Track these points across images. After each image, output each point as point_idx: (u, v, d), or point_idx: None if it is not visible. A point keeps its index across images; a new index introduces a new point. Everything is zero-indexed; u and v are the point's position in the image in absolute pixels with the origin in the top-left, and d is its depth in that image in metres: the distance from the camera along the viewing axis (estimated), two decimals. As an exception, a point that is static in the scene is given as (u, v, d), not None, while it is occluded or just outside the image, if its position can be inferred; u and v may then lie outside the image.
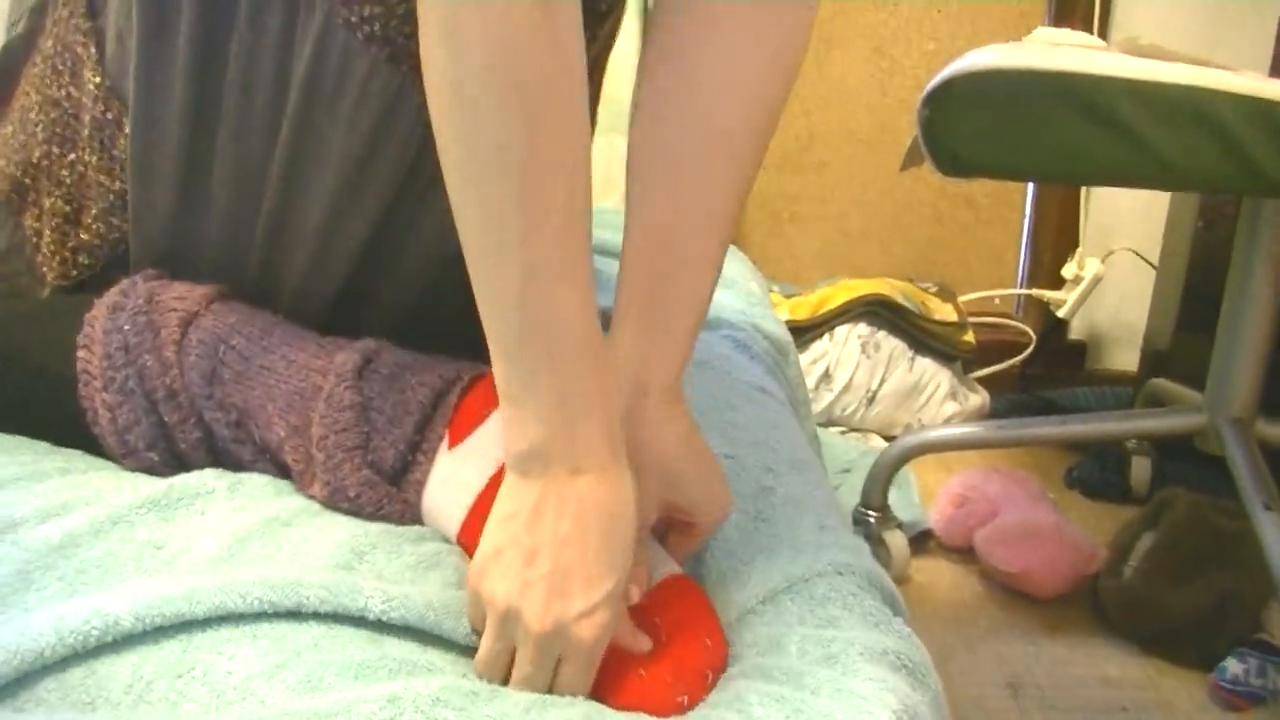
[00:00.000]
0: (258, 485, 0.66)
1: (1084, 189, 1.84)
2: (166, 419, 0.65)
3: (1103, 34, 1.78)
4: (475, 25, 0.46)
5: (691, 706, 0.54)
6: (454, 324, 0.62)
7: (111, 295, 0.67)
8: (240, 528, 0.61)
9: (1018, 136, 0.86)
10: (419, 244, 0.68)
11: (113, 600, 0.53)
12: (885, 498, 1.31)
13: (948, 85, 0.88)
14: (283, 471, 0.66)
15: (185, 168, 0.69)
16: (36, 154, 0.73)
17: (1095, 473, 1.59)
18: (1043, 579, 1.27)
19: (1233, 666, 1.13)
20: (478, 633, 0.55)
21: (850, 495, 1.37)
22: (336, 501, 0.64)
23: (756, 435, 0.80)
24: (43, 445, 0.69)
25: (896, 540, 1.31)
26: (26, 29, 0.74)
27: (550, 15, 0.47)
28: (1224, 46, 1.73)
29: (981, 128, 0.86)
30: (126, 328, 0.65)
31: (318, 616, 0.55)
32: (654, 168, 0.60)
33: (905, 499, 1.49)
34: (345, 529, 0.61)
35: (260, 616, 0.54)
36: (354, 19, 0.61)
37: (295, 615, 0.55)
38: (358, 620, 0.55)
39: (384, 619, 0.54)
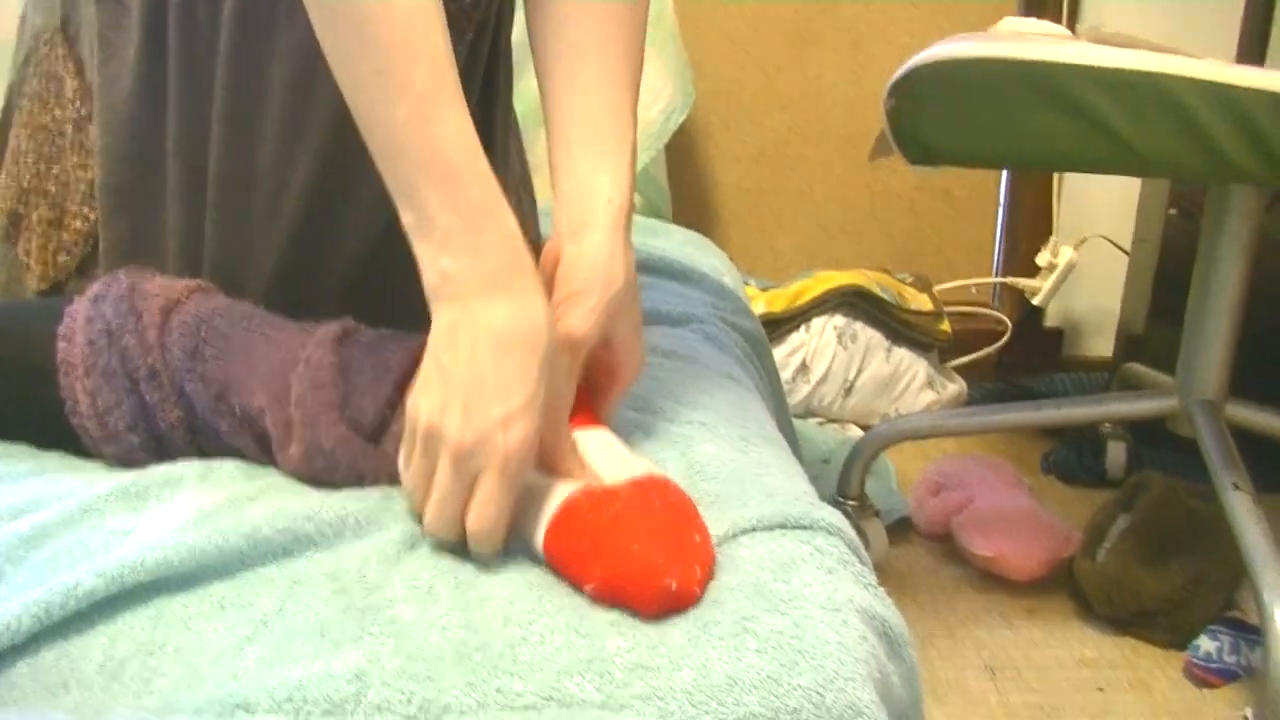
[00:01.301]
0: (228, 471, 0.67)
1: (1056, 177, 1.85)
2: (148, 398, 0.66)
3: (1071, 26, 1.79)
4: None
5: (681, 596, 0.53)
6: (396, 304, 0.64)
7: (93, 288, 0.69)
8: (207, 504, 0.62)
9: (984, 125, 0.87)
10: (364, 192, 0.68)
11: (77, 574, 0.54)
12: (862, 486, 1.32)
13: (912, 75, 0.89)
14: (261, 442, 0.67)
15: (140, 147, 0.71)
16: (27, 178, 0.75)
17: (1071, 457, 1.60)
18: (1019, 563, 1.28)
19: (1206, 644, 1.15)
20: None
21: (829, 486, 1.38)
22: (312, 459, 0.64)
23: (727, 414, 0.81)
24: (18, 449, 0.70)
25: (874, 528, 1.32)
26: (17, 80, 0.77)
27: None
28: (1191, 35, 1.75)
29: (947, 117, 0.87)
30: (109, 313, 0.66)
31: (279, 560, 0.57)
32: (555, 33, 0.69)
33: (883, 487, 1.50)
34: (314, 498, 0.62)
35: (224, 580, 0.56)
36: None
37: (258, 568, 0.57)
38: (317, 560, 0.57)
39: (337, 516, 0.58)
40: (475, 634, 0.53)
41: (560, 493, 0.59)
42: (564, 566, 0.57)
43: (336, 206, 0.69)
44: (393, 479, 0.63)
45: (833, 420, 1.75)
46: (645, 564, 0.54)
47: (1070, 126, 0.84)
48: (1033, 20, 1.11)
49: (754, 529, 0.62)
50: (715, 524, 0.61)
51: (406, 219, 0.58)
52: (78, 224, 0.75)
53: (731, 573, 0.58)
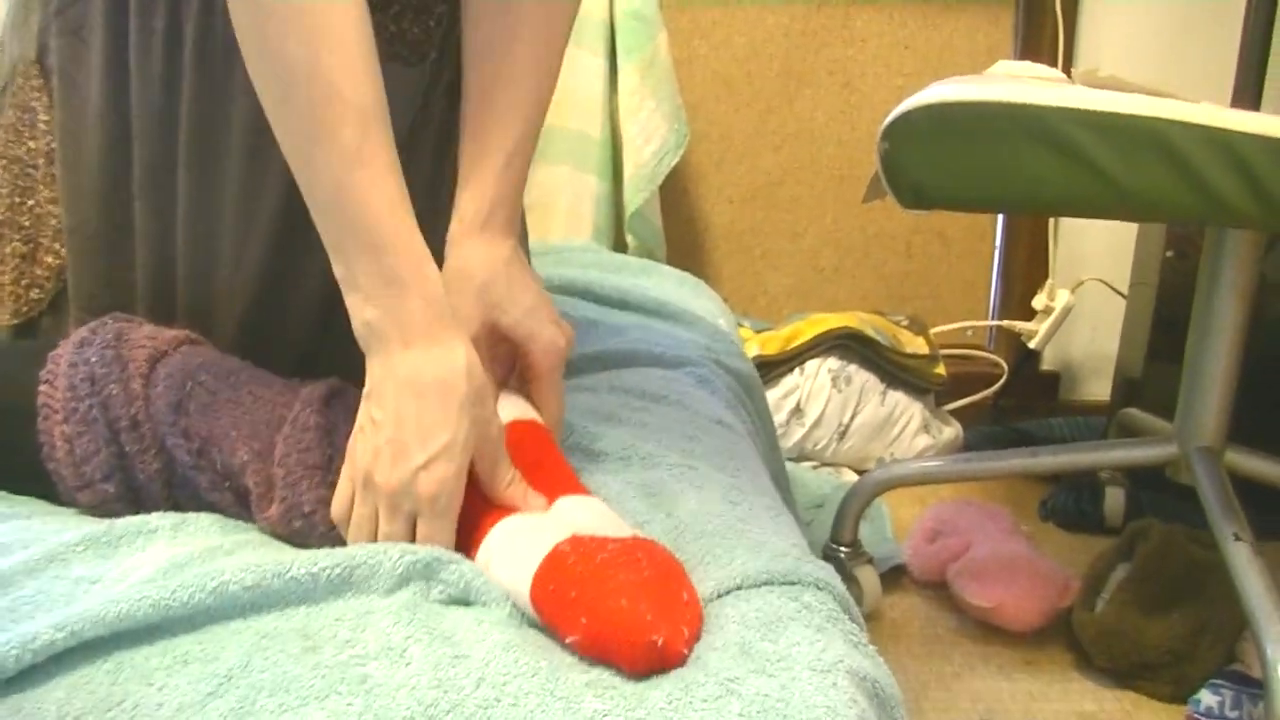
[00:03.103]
0: (203, 524, 0.66)
1: (1053, 220, 1.85)
2: (127, 448, 0.65)
3: (1067, 68, 1.79)
4: None
5: (667, 654, 0.51)
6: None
7: (79, 333, 0.69)
8: (179, 555, 0.61)
9: (977, 168, 0.86)
10: None
11: (36, 625, 0.52)
12: (856, 532, 1.30)
13: (906, 118, 0.88)
14: (241, 499, 0.66)
15: (106, 186, 0.71)
16: (0, 210, 0.75)
17: (1069, 504, 1.58)
18: (1017, 613, 1.26)
19: (1207, 698, 1.12)
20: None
21: (823, 531, 1.35)
22: (290, 520, 0.63)
23: (716, 461, 0.79)
24: (-9, 494, 0.69)
25: (868, 575, 1.30)
26: None
27: None
28: (1187, 79, 1.75)
29: (941, 160, 0.86)
30: (94, 359, 0.66)
31: (246, 615, 0.55)
32: (479, 53, 0.71)
33: (878, 533, 1.48)
34: (288, 554, 0.61)
35: (190, 633, 0.54)
36: None
37: (225, 622, 0.55)
38: (288, 615, 0.55)
39: (311, 571, 0.57)
40: (446, 694, 0.50)
41: (547, 541, 0.57)
42: (549, 616, 0.55)
43: (304, 241, 0.69)
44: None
45: (827, 464, 1.73)
46: (632, 619, 0.52)
47: (1064, 170, 0.83)
48: (1027, 63, 1.10)
49: (739, 586, 0.60)
50: (701, 584, 0.59)
51: (336, 270, 0.61)
52: (50, 259, 0.74)
53: (716, 632, 0.56)
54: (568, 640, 0.53)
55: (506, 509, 0.62)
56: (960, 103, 0.85)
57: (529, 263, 0.73)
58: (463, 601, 0.58)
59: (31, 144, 0.75)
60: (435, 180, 0.73)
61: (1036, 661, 1.24)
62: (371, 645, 0.54)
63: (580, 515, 0.61)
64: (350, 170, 0.58)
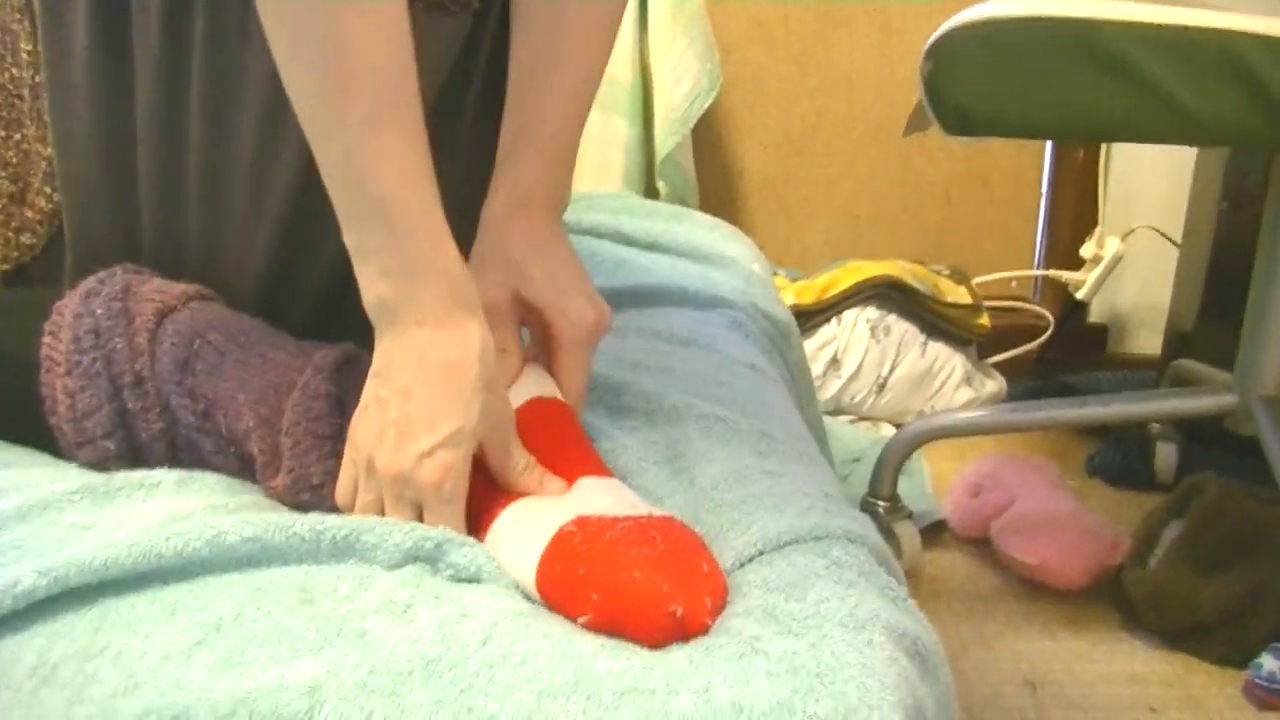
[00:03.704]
0: (208, 482, 0.63)
1: (1103, 163, 1.77)
2: (129, 405, 0.63)
3: None
4: None
5: (687, 624, 0.47)
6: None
7: (87, 283, 0.66)
8: (180, 509, 0.58)
9: (1026, 90, 0.80)
10: None
11: (19, 570, 0.50)
12: (894, 486, 1.25)
13: (951, 36, 0.82)
14: (245, 464, 0.64)
15: (104, 134, 0.67)
16: None
17: (1118, 459, 1.52)
18: (1062, 570, 1.21)
19: (1269, 663, 1.06)
20: None
21: (860, 486, 1.31)
22: (298, 492, 0.61)
23: (747, 406, 0.74)
24: (-12, 443, 0.66)
25: (907, 530, 1.25)
26: None
27: None
28: None
29: (987, 81, 0.80)
30: (99, 312, 0.64)
31: (243, 568, 0.52)
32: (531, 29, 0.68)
33: (917, 489, 1.43)
34: (294, 515, 0.57)
35: (181, 582, 0.51)
36: None
37: (220, 574, 0.52)
38: (287, 572, 0.52)
39: (316, 529, 0.53)
40: (450, 649, 0.47)
41: (553, 523, 0.53)
42: (557, 601, 0.51)
43: (324, 202, 0.67)
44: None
45: (864, 418, 1.68)
46: (648, 590, 0.48)
47: (1121, 90, 0.76)
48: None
49: (761, 552, 0.56)
50: (722, 556, 0.55)
51: (348, 239, 0.57)
52: (41, 202, 0.71)
53: (738, 600, 0.52)
54: (580, 621, 0.49)
55: (518, 494, 0.58)
56: (1010, 19, 0.79)
57: (566, 238, 0.68)
58: (473, 581, 0.55)
59: (15, 71, 0.71)
60: (480, 141, 0.70)
61: (1082, 621, 1.19)
62: (373, 601, 0.50)
63: (595, 499, 0.57)
64: (366, 139, 0.54)
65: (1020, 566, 1.24)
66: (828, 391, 1.64)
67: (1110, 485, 1.51)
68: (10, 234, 0.72)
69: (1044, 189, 1.88)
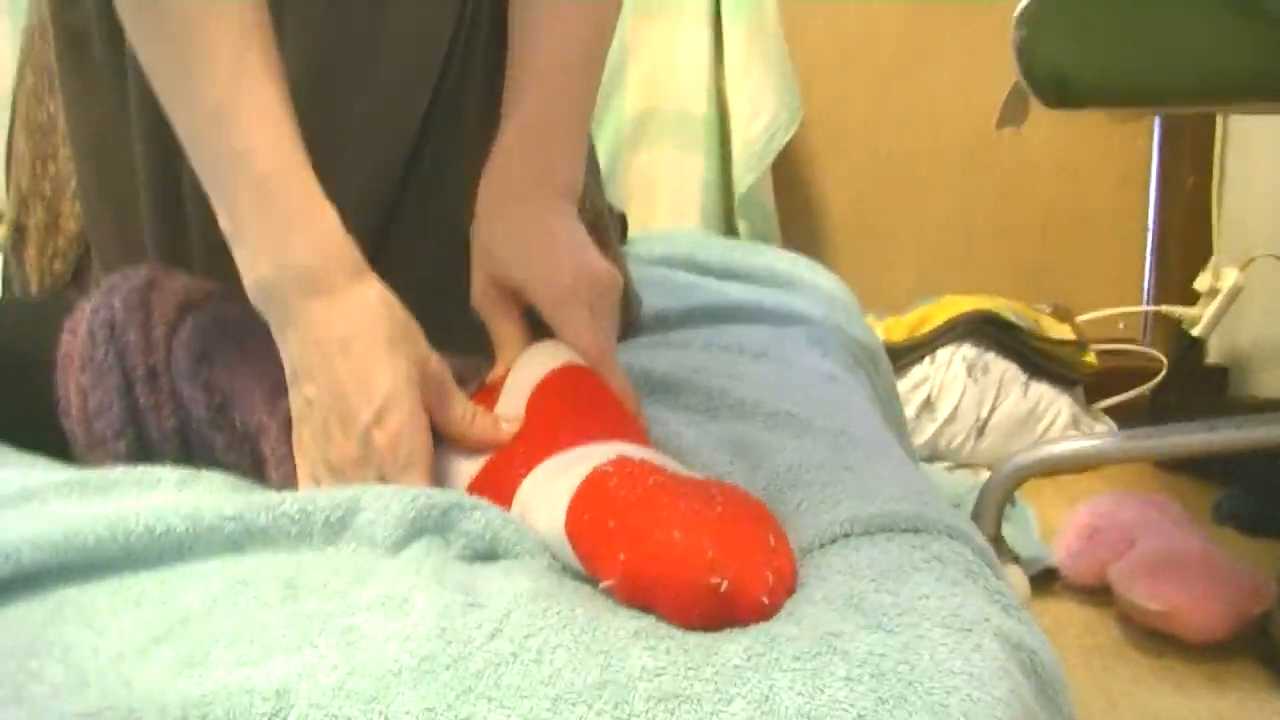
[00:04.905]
0: (215, 482, 0.58)
1: (1215, 187, 1.65)
2: (141, 401, 0.62)
3: None
4: None
5: (735, 602, 0.39)
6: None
7: (111, 279, 0.66)
8: (179, 504, 0.52)
9: (1132, 49, 0.71)
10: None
11: None
12: (997, 527, 1.14)
13: (1045, -3, 0.73)
14: (258, 462, 0.61)
15: (107, 141, 0.69)
16: (25, 182, 0.74)
17: (1251, 504, 1.38)
18: (1195, 619, 1.08)
19: None
20: None
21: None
22: None
23: (823, 408, 0.66)
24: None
25: (1014, 576, 1.14)
26: (17, 84, 0.77)
27: None
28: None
29: (1088, 42, 0.72)
30: (117, 304, 0.63)
31: (223, 556, 0.47)
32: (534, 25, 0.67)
33: (1023, 534, 1.32)
34: (283, 495, 0.52)
35: (151, 571, 0.46)
36: None
37: (198, 562, 0.47)
38: (273, 563, 0.46)
39: (306, 509, 0.48)
40: (449, 645, 0.39)
41: (587, 463, 0.45)
42: (585, 554, 0.43)
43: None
44: None
45: (963, 465, 1.58)
46: (686, 553, 0.39)
47: (1252, 36, 0.67)
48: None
49: (847, 534, 0.48)
50: (796, 535, 0.47)
51: (222, 225, 0.57)
52: (71, 225, 0.73)
53: (815, 585, 0.43)
54: (603, 585, 0.41)
55: (541, 456, 0.51)
56: (1114, -33, 0.71)
57: (562, 216, 0.65)
58: (490, 557, 0.47)
59: (51, 106, 0.73)
60: (482, 139, 0.68)
61: (1222, 677, 1.06)
62: (367, 594, 0.43)
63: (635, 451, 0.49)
64: (228, 100, 0.54)
65: (1145, 615, 1.12)
66: (922, 436, 1.54)
67: (1243, 533, 1.37)
68: (46, 262, 0.74)
69: (1151, 216, 1.76)
